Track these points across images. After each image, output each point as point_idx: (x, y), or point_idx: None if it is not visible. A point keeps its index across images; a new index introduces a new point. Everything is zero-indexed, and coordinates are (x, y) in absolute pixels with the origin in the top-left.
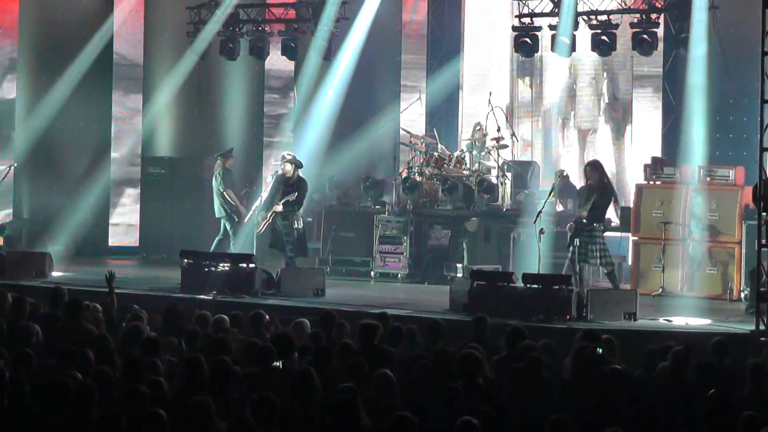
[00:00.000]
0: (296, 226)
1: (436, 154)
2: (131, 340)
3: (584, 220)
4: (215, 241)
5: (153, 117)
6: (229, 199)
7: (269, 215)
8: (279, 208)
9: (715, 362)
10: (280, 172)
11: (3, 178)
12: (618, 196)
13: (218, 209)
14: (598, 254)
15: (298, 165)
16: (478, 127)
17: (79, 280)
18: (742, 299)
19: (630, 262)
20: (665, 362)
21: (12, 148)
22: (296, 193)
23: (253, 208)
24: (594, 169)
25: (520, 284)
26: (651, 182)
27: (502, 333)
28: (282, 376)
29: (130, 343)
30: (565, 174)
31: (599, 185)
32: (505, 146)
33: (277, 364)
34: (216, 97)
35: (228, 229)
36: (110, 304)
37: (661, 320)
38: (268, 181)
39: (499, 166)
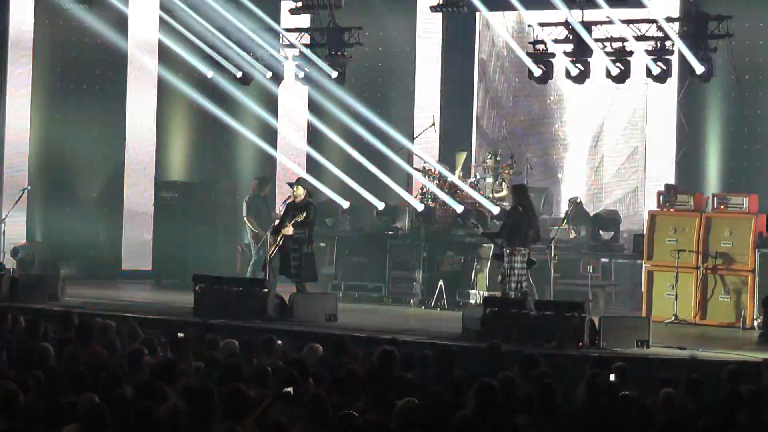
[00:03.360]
0: (306, 250)
1: (449, 179)
2: (139, 364)
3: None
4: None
5: (166, 141)
6: (249, 225)
7: (279, 239)
8: (289, 231)
9: (729, 390)
10: (291, 197)
11: (17, 201)
12: (534, 223)
13: (245, 234)
14: (513, 279)
15: (309, 190)
16: (492, 153)
17: (91, 304)
18: (755, 327)
19: (643, 290)
20: (675, 389)
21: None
22: (305, 214)
23: (264, 235)
24: (514, 192)
25: (533, 311)
26: (664, 209)
27: (515, 360)
28: (294, 402)
29: (139, 367)
30: (578, 201)
31: (513, 209)
32: (519, 173)
33: (289, 389)
34: (229, 121)
35: (253, 253)
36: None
37: (674, 348)
38: (281, 206)
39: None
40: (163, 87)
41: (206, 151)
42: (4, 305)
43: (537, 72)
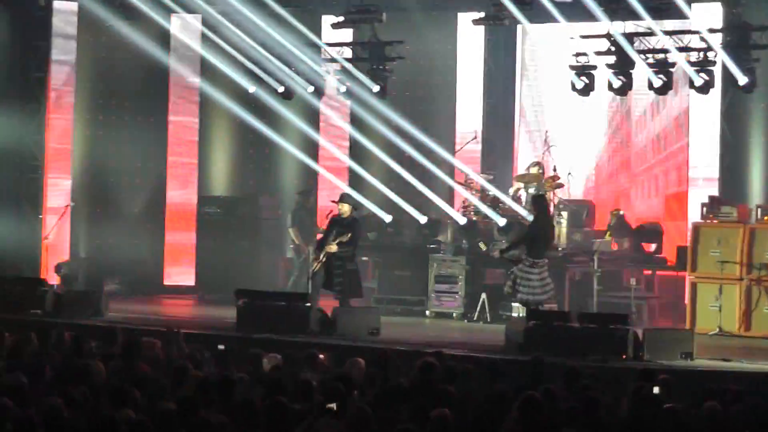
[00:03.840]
0: (349, 267)
1: (491, 193)
2: (183, 379)
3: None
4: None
5: (208, 156)
6: (292, 236)
7: (322, 255)
8: (333, 248)
9: None
10: (335, 212)
11: (60, 218)
12: (552, 233)
13: (288, 248)
14: (521, 288)
15: (354, 205)
16: (534, 166)
17: (134, 319)
18: None
19: (686, 301)
20: (720, 402)
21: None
22: (350, 234)
23: (307, 249)
24: (534, 202)
25: (576, 324)
26: (708, 221)
27: (558, 373)
28: (337, 417)
29: (182, 383)
30: (621, 213)
31: (534, 220)
32: (561, 185)
33: (332, 405)
34: (271, 135)
35: (295, 266)
36: None
37: (718, 360)
38: (325, 220)
39: (555, 205)
40: (204, 102)
41: (248, 166)
42: (49, 321)
43: (579, 84)
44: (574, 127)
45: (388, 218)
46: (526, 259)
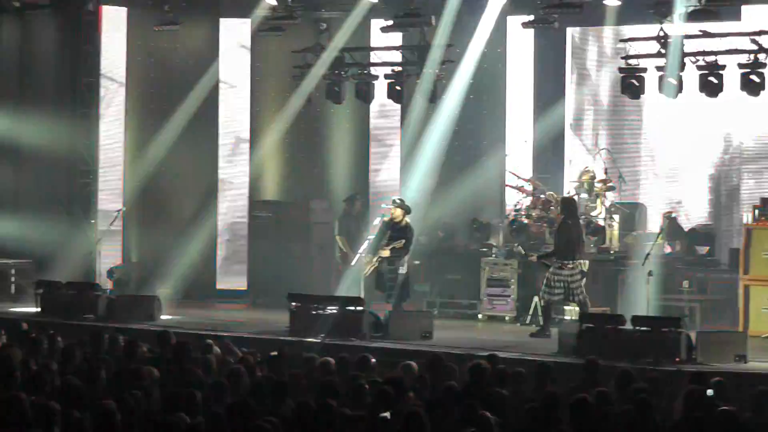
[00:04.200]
0: (401, 270)
1: (542, 196)
2: (236, 383)
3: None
4: None
5: (260, 161)
6: (339, 244)
7: (375, 260)
8: (386, 253)
9: None
10: (388, 216)
11: (112, 222)
12: (581, 236)
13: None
14: (546, 288)
15: (406, 210)
16: (586, 170)
17: (187, 323)
18: None
19: (740, 304)
20: None
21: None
22: (403, 240)
23: (359, 251)
24: (564, 206)
25: (629, 326)
26: (760, 223)
27: (611, 376)
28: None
29: (236, 386)
30: (673, 215)
31: (563, 224)
32: (612, 188)
33: (386, 415)
34: (322, 140)
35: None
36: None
37: None
38: (375, 224)
39: (606, 209)
40: (255, 106)
41: (299, 170)
42: (101, 326)
43: (630, 87)
44: (625, 129)
45: (439, 222)
46: (556, 262)
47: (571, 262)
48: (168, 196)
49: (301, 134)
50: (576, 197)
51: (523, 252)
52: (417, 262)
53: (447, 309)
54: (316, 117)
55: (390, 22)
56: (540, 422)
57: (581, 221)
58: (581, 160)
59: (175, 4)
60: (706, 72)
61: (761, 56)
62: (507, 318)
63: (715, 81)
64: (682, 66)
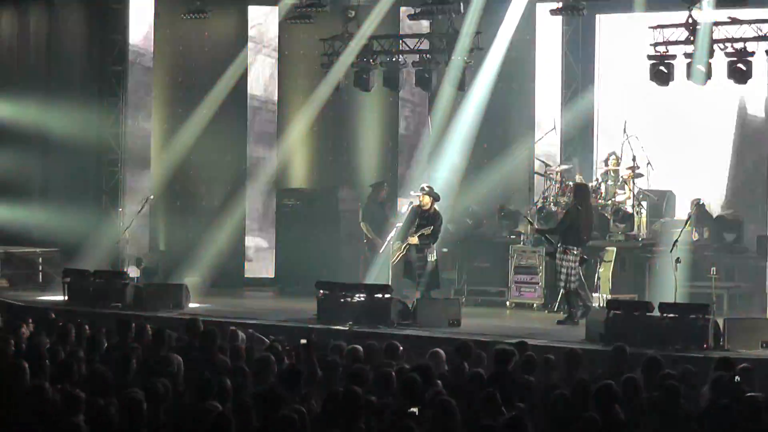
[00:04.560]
0: (430, 259)
1: (570, 183)
2: (266, 370)
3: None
4: None
5: (288, 149)
6: (364, 231)
7: (404, 247)
8: (414, 240)
9: None
10: (416, 203)
11: (140, 211)
12: (590, 225)
13: None
14: (562, 276)
15: (435, 198)
16: (613, 157)
17: (215, 311)
18: None
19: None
20: None
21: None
22: (432, 227)
23: (388, 238)
24: (576, 191)
25: (656, 313)
26: None
27: (638, 362)
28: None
29: (265, 374)
30: (701, 202)
31: (573, 208)
32: (641, 175)
33: (414, 410)
34: (350, 128)
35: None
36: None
37: None
38: (403, 211)
39: (634, 196)
40: (283, 93)
41: (327, 158)
42: (129, 314)
43: (658, 74)
44: (653, 116)
45: (468, 209)
46: (561, 246)
47: (575, 248)
48: (196, 184)
49: (329, 122)
50: (597, 184)
51: (530, 221)
52: (445, 250)
53: (475, 296)
54: (344, 105)
55: (418, 10)
56: (570, 409)
57: (609, 207)
58: (609, 146)
59: None
60: (735, 59)
61: None
62: (535, 305)
63: (744, 68)
64: (711, 53)
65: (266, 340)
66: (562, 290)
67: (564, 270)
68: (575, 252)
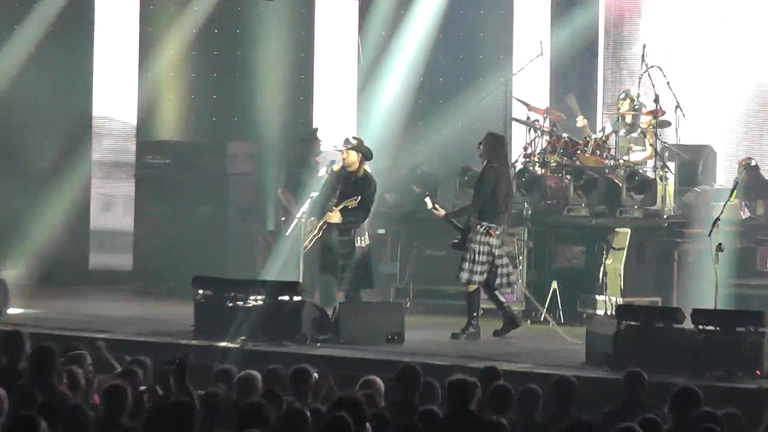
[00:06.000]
0: (359, 243)
1: (565, 135)
2: (116, 405)
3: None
4: None
5: (153, 84)
6: (283, 201)
7: (320, 226)
8: (335, 217)
9: None
10: (338, 164)
11: None
12: (510, 191)
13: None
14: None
15: (365, 154)
16: (627, 97)
17: (47, 320)
18: None
19: None
20: None
21: None
22: (359, 197)
23: (298, 213)
24: (487, 144)
25: (688, 325)
26: None
27: (664, 396)
28: None
29: (115, 410)
30: (753, 164)
31: (486, 170)
32: (667, 124)
33: None
34: (245, 53)
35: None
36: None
37: None
38: (320, 175)
39: (657, 153)
40: (147, 9)
41: (210, 97)
42: None
43: None
44: (687, 39)
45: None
46: (479, 224)
47: (497, 227)
48: (21, 137)
49: (214, 46)
50: (602, 136)
51: (430, 204)
52: (382, 232)
53: (426, 299)
54: (236, 18)
55: None
56: None
57: (620, 169)
58: (620, 82)
59: None
60: None
61: None
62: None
63: None
64: None
65: (118, 366)
66: (496, 288)
67: (485, 256)
68: (498, 232)
